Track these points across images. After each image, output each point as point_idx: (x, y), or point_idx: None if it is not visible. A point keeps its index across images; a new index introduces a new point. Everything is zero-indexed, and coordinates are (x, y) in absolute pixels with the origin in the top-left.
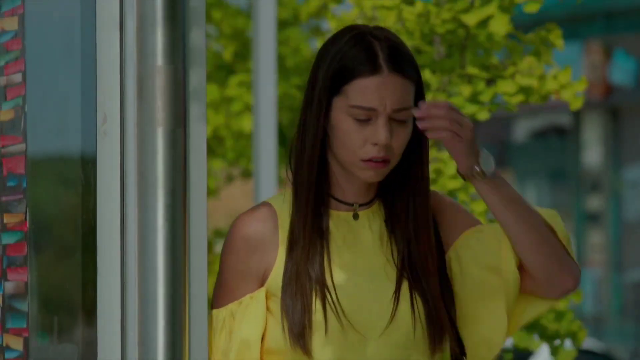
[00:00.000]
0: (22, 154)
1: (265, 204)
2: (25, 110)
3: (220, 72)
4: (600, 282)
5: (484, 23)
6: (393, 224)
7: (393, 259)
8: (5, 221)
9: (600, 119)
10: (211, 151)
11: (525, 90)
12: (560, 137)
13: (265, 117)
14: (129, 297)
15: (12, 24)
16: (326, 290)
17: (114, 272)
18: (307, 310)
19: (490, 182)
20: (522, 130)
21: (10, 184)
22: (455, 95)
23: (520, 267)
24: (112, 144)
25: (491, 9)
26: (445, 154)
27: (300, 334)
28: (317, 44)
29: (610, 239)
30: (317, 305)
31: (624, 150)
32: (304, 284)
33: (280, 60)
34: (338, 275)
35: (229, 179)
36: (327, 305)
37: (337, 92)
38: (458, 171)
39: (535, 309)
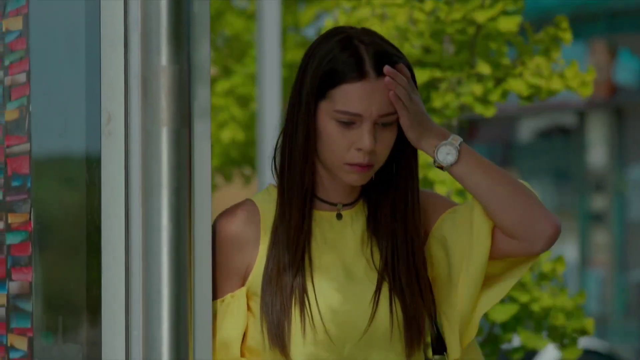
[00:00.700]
0: (27, 154)
1: (248, 201)
2: (30, 110)
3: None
4: (604, 282)
5: (494, 20)
6: (375, 225)
7: (373, 260)
8: (9, 221)
9: (605, 119)
10: None
11: (533, 88)
12: (565, 137)
13: (270, 120)
14: (134, 296)
15: (16, 24)
16: (305, 291)
17: (118, 272)
18: (286, 310)
19: (453, 170)
20: (526, 130)
21: (14, 183)
22: (465, 94)
23: (497, 234)
24: (117, 143)
25: (501, 7)
26: None
27: (278, 335)
28: None
29: (614, 238)
30: (296, 306)
31: (628, 150)
32: (284, 284)
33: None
34: (318, 275)
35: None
36: (306, 306)
37: (323, 96)
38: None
39: (515, 273)
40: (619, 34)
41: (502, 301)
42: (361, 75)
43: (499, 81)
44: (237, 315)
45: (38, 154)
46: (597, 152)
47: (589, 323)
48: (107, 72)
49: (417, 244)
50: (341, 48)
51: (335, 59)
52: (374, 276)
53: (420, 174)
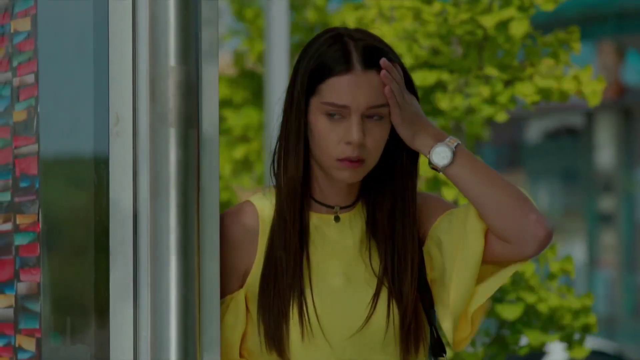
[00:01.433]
0: (35, 155)
1: (248, 203)
2: (38, 111)
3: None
4: (612, 283)
5: (502, 25)
6: (374, 227)
7: (371, 263)
8: (18, 222)
9: (613, 120)
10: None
11: (543, 91)
12: (573, 137)
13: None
14: (142, 297)
15: (25, 25)
16: (302, 294)
17: (126, 273)
18: (283, 313)
19: (447, 171)
20: (534, 130)
21: (23, 184)
22: (473, 95)
23: (490, 236)
24: (125, 144)
25: (510, 11)
26: None
27: (275, 338)
28: None
29: (622, 239)
30: (293, 309)
31: (636, 151)
32: (281, 287)
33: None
34: (316, 278)
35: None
36: (303, 310)
37: (312, 93)
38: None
39: (502, 275)
40: (627, 35)
41: (510, 301)
42: (348, 67)
43: (507, 83)
44: (236, 317)
45: (46, 155)
46: (605, 153)
47: (592, 319)
48: (115, 73)
49: (416, 247)
50: (330, 44)
51: (324, 54)
52: (372, 280)
53: (431, 174)
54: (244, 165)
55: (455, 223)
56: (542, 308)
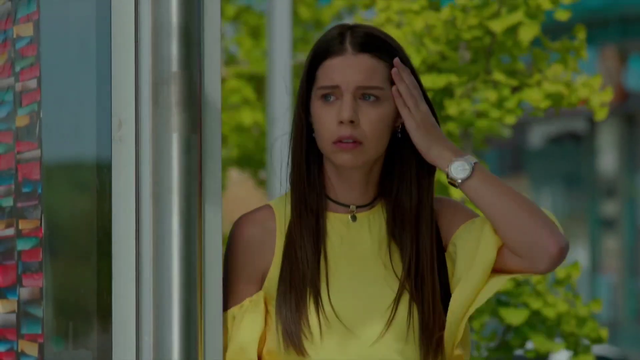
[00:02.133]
0: (38, 160)
1: (266, 206)
2: (41, 116)
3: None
4: (615, 288)
5: (511, 30)
6: (395, 228)
7: (392, 264)
8: (20, 227)
9: (616, 125)
10: None
11: (552, 96)
12: (576, 142)
13: (280, 122)
14: (144, 302)
15: (27, 30)
16: (320, 294)
17: (129, 278)
18: (301, 313)
19: (466, 186)
20: (537, 135)
21: (25, 189)
22: (481, 101)
23: (504, 249)
24: (128, 149)
25: (518, 16)
26: None
27: (294, 337)
28: None
29: (625, 244)
30: (311, 308)
31: (639, 156)
32: (299, 287)
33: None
34: (333, 278)
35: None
36: (321, 309)
37: (312, 81)
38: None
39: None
40: (630, 40)
41: (515, 306)
42: (340, 50)
43: (514, 89)
44: (254, 319)
45: (49, 160)
46: (608, 158)
47: (604, 332)
48: (118, 78)
49: (436, 250)
50: (330, 34)
51: (321, 41)
52: (392, 281)
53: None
54: None
55: (472, 234)
56: (549, 313)
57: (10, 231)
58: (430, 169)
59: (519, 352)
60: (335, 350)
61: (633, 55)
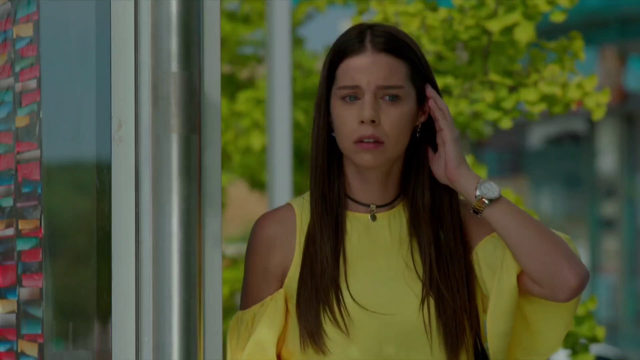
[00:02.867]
0: (37, 160)
1: (287, 205)
2: (41, 116)
3: (230, 87)
4: (614, 288)
5: (508, 30)
6: (416, 228)
7: (414, 263)
8: (20, 227)
9: (615, 125)
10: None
11: (548, 98)
12: (575, 143)
13: (280, 132)
14: (144, 303)
15: (27, 30)
16: (340, 292)
17: (128, 278)
18: (321, 312)
19: (494, 209)
20: (537, 136)
21: (25, 190)
22: (478, 101)
23: (524, 277)
24: (127, 150)
25: (515, 16)
26: None
27: (313, 336)
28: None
29: (624, 245)
30: (332, 306)
31: (638, 157)
32: (319, 286)
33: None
34: (352, 277)
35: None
36: (342, 307)
37: (332, 81)
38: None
39: (546, 313)
40: (629, 40)
41: None
42: (360, 49)
43: (511, 89)
44: (274, 317)
45: (49, 161)
46: (608, 159)
47: (600, 331)
48: (118, 79)
49: (461, 252)
50: (350, 34)
51: (341, 41)
52: (413, 281)
53: None
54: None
55: (497, 252)
56: None
57: (10, 231)
58: None
59: None
60: (356, 350)
61: (632, 56)
